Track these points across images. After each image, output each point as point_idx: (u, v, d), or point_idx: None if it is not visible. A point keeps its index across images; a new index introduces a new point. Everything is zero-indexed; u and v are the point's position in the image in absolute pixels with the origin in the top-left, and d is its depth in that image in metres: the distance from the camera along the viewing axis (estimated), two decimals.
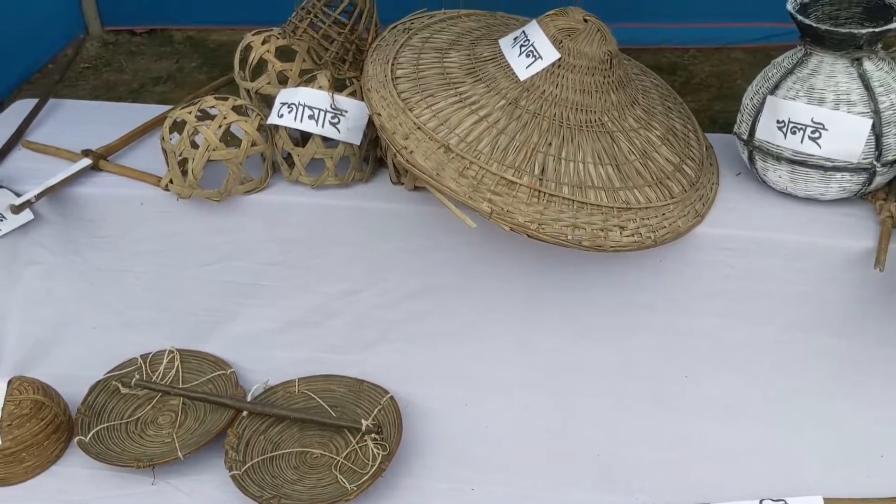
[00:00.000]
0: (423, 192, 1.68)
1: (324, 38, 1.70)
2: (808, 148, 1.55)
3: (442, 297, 1.74)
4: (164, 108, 1.99)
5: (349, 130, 1.66)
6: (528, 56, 1.57)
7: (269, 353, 1.79)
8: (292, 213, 1.72)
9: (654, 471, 1.61)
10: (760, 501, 1.52)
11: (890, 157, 1.54)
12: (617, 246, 1.48)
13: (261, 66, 1.79)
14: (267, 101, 1.78)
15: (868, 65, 1.54)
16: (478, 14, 1.84)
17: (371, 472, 1.53)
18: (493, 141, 1.51)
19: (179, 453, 1.57)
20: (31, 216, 1.76)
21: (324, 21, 1.70)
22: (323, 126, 1.65)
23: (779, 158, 1.59)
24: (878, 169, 1.55)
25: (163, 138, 1.69)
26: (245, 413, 1.66)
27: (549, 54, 1.55)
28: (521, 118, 1.54)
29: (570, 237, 1.45)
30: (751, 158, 1.65)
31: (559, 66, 1.55)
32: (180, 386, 1.73)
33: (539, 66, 1.55)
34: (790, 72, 1.58)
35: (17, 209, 1.68)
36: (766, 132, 1.59)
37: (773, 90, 1.59)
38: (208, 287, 1.79)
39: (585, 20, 1.57)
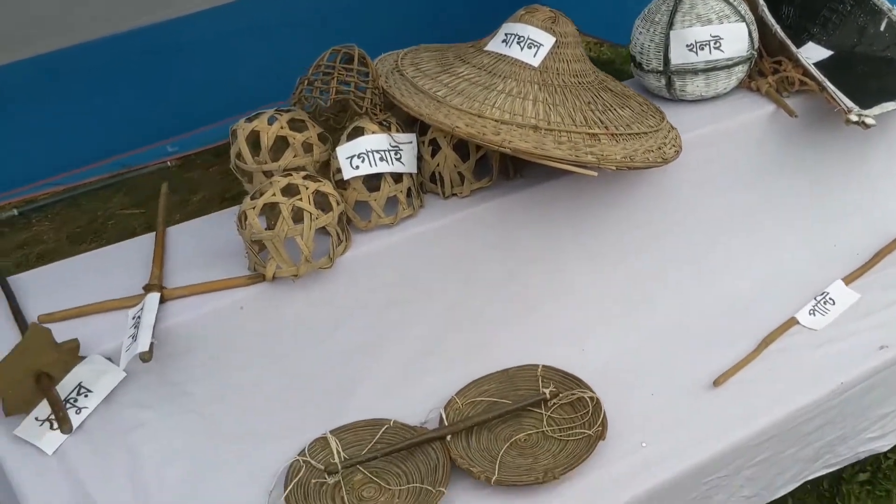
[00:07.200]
0: (474, 196, 1.90)
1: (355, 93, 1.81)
2: (716, 55, 2.11)
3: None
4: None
5: (409, 161, 1.81)
6: (529, 47, 1.88)
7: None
8: (387, 257, 1.80)
9: None
10: (815, 297, 2.03)
11: (755, 47, 2.17)
12: (674, 156, 1.87)
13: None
14: None
15: None
16: (412, 50, 2.08)
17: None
18: (556, 112, 1.80)
19: None
20: (124, 374, 1.59)
21: (348, 80, 1.81)
22: (392, 163, 1.78)
23: (695, 72, 2.13)
24: (753, 56, 2.17)
25: (245, 232, 1.66)
26: (449, 438, 1.70)
27: (547, 40, 1.89)
28: (558, 92, 1.85)
29: (651, 158, 1.81)
30: (669, 83, 2.17)
31: (557, 45, 1.89)
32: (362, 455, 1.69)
33: (544, 51, 1.88)
34: (675, 10, 2.13)
35: (147, 355, 1.51)
36: (680, 57, 2.12)
37: (670, 27, 2.12)
38: (331, 361, 1.77)
39: (550, 10, 1.94)
